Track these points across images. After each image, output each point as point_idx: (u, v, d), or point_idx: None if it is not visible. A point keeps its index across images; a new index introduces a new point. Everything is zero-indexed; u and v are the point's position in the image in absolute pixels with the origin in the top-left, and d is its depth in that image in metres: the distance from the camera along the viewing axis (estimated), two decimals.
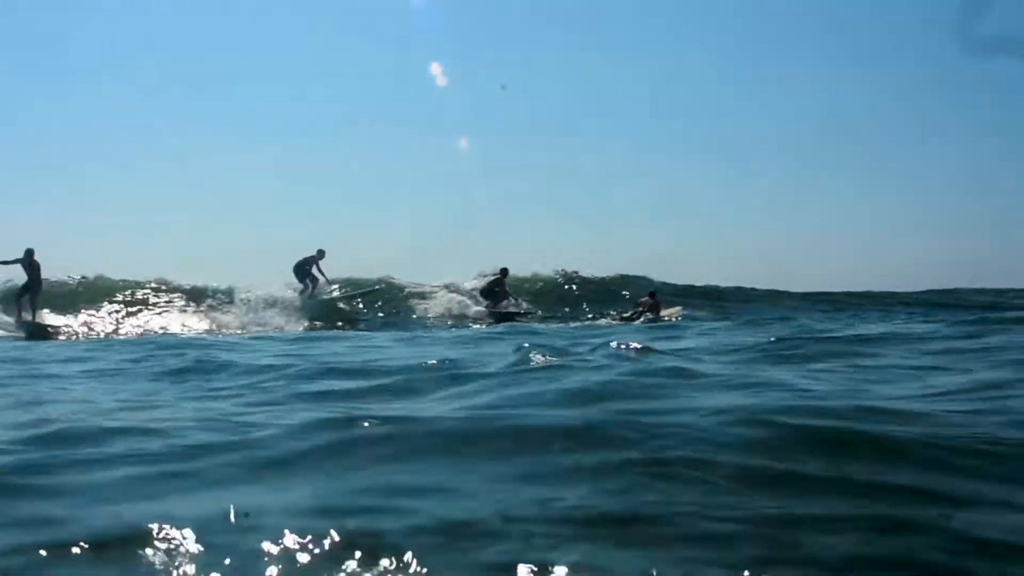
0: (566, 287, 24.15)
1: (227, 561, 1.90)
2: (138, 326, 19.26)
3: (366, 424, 2.96)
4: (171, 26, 51.11)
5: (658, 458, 2.60)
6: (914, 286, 27.36)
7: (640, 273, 24.66)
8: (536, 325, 16.87)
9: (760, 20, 53.68)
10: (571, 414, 3.08)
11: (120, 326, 19.27)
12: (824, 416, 3.06)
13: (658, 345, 6.87)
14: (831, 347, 6.59)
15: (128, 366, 6.97)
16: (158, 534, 1.99)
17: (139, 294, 21.44)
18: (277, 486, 2.53)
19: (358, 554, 1.90)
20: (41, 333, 16.53)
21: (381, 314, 20.89)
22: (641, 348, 5.79)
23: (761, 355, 6.06)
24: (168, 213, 39.12)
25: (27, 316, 17.39)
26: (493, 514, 2.15)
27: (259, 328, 17.43)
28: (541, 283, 23.93)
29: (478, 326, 17.43)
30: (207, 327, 18.48)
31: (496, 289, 20.19)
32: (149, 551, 1.94)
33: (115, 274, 22.11)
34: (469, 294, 21.59)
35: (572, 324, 18.48)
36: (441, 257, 37.23)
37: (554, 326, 16.47)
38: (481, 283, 21.16)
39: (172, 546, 1.95)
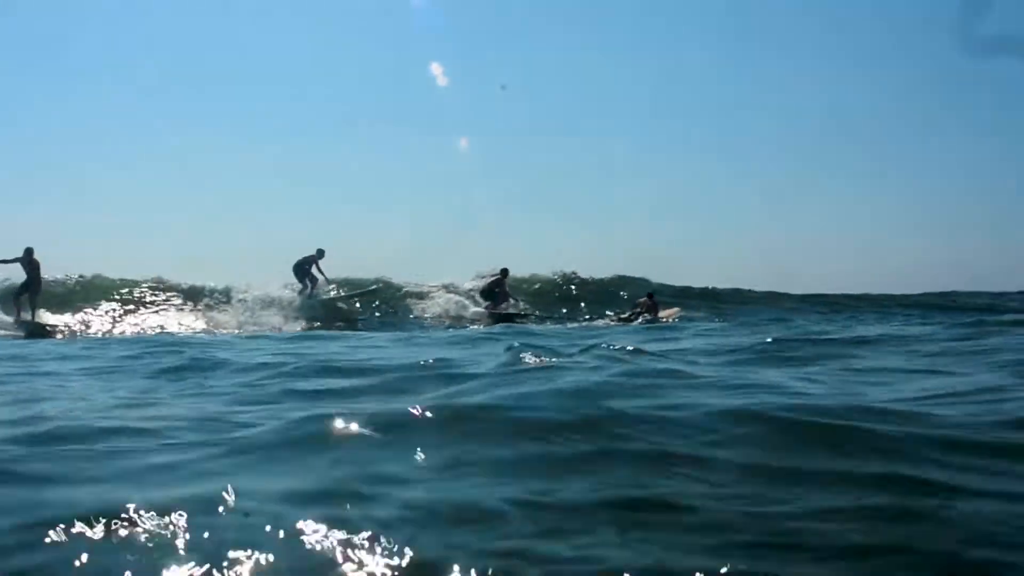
0: (564, 288, 24.18)
1: (206, 536, 1.95)
2: (135, 325, 19.27)
3: (354, 419, 2.99)
4: (171, 26, 51.28)
5: (652, 451, 2.63)
6: (912, 289, 27.46)
7: (638, 274, 24.74)
8: (532, 326, 16.88)
9: (760, 20, 53.88)
10: (565, 409, 3.10)
11: (117, 325, 19.27)
12: (819, 414, 3.07)
13: (653, 346, 6.88)
14: (827, 349, 6.60)
15: (123, 364, 6.97)
16: (141, 515, 2.05)
17: (136, 293, 21.45)
18: (263, 471, 2.57)
19: (342, 539, 1.92)
20: (40, 332, 16.52)
21: (378, 314, 20.90)
22: (633, 350, 5.79)
23: (756, 357, 6.06)
24: (168, 213, 39.21)
25: (26, 316, 17.38)
26: (485, 501, 2.17)
27: (255, 328, 17.43)
28: (539, 284, 23.97)
29: (476, 327, 17.43)
30: (204, 326, 18.48)
31: (496, 290, 20.16)
32: (132, 529, 2.00)
33: (114, 273, 22.16)
34: (467, 294, 21.59)
35: (570, 325, 18.50)
36: (441, 257, 37.29)
37: (551, 327, 16.49)
38: (481, 284, 21.15)
39: (154, 525, 2.01)
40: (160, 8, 53.52)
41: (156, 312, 20.42)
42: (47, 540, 1.94)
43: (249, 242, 35.61)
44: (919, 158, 48.34)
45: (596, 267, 25.42)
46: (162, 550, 1.89)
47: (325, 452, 2.74)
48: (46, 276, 17.94)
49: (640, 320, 18.89)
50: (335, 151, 48.39)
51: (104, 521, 2.00)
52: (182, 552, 1.88)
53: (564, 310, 22.01)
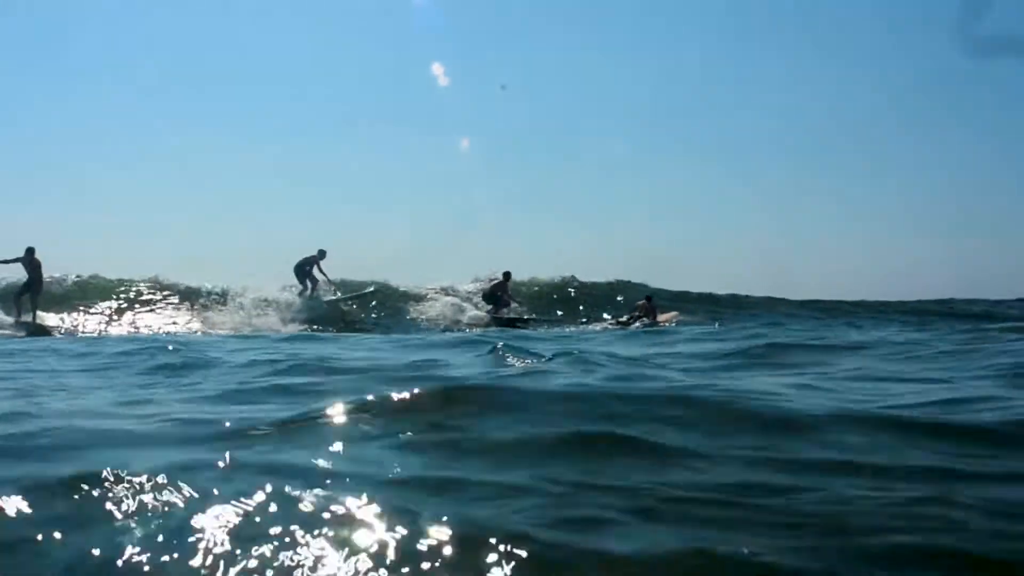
0: (563, 291, 24.25)
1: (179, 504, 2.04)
2: (131, 325, 19.38)
3: (329, 409, 3.14)
4: (171, 26, 51.50)
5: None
6: (910, 295, 27.48)
7: (637, 278, 24.79)
8: (527, 331, 16.92)
9: (760, 20, 53.86)
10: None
11: (112, 325, 19.39)
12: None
13: (639, 351, 6.94)
14: (810, 355, 6.62)
15: (115, 362, 7.04)
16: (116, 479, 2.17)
17: (133, 293, 21.52)
18: (242, 446, 2.69)
19: (304, 508, 2.00)
20: (41, 333, 16.55)
21: (375, 316, 20.97)
22: (605, 354, 5.85)
23: (729, 362, 6.08)
24: (168, 213, 39.39)
25: (27, 316, 17.45)
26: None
27: (251, 328, 17.51)
28: (538, 287, 24.03)
29: (474, 330, 17.50)
30: (200, 327, 18.58)
31: (499, 294, 20.18)
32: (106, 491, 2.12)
33: (112, 273, 22.26)
34: (465, 297, 21.66)
35: (568, 328, 18.55)
36: (441, 257, 37.46)
37: (545, 330, 16.54)
38: (484, 287, 21.17)
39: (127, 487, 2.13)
40: (160, 8, 53.83)
41: (152, 312, 20.52)
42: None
43: (249, 242, 35.84)
44: (919, 158, 48.41)
45: (595, 268, 25.63)
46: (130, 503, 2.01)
47: (300, 434, 2.89)
48: (45, 276, 18.02)
49: (638, 324, 18.92)
50: (335, 151, 48.61)
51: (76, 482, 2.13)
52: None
53: (559, 313, 22.07)
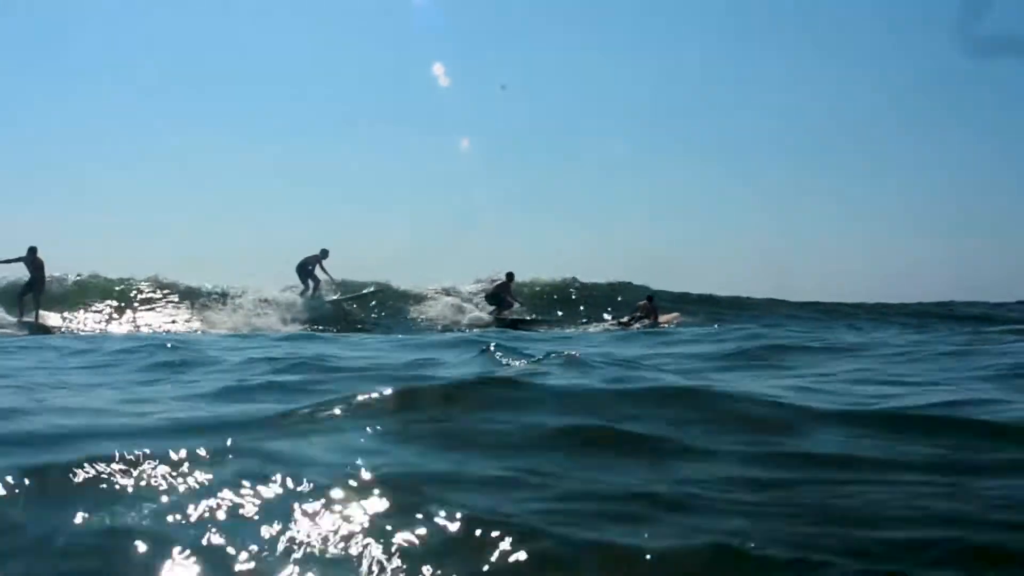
0: (564, 292, 24.24)
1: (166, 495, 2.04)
2: (131, 324, 19.39)
3: (326, 405, 3.16)
4: (171, 26, 51.48)
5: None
6: (910, 297, 27.48)
7: (638, 279, 24.77)
8: (527, 331, 16.92)
9: (760, 20, 53.87)
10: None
11: (112, 324, 19.39)
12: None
13: (626, 352, 6.94)
14: (810, 357, 6.62)
15: (115, 360, 7.05)
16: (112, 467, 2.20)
17: (132, 293, 21.50)
18: (238, 439, 2.70)
19: (290, 495, 2.02)
20: (42, 332, 16.52)
21: (375, 316, 20.97)
22: (601, 355, 5.84)
23: (720, 364, 6.08)
24: (168, 213, 39.32)
25: (29, 316, 17.42)
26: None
27: (251, 328, 17.52)
28: (540, 287, 24.03)
29: (474, 330, 17.49)
30: (199, 326, 18.58)
31: (502, 295, 20.16)
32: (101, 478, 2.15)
33: (112, 273, 22.26)
34: (466, 298, 21.65)
35: (568, 329, 18.55)
36: (441, 258, 37.44)
37: (545, 331, 16.54)
38: (487, 288, 21.16)
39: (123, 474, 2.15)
40: (160, 8, 53.79)
41: (152, 312, 20.49)
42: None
43: (249, 242, 35.80)
44: (919, 158, 48.34)
45: (596, 268, 25.62)
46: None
47: (293, 425, 2.92)
48: (46, 275, 17.97)
49: (639, 325, 18.91)
50: (335, 151, 48.56)
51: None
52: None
53: (559, 313, 22.06)
